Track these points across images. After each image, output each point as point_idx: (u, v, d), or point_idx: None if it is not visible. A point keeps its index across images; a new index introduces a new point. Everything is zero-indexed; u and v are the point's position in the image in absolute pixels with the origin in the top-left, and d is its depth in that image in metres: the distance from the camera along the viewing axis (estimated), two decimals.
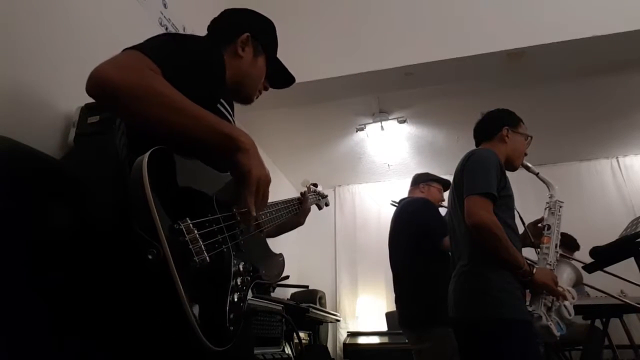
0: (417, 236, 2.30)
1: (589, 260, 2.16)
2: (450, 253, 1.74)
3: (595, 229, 3.31)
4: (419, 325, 2.20)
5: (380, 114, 3.81)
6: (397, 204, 2.65)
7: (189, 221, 0.70)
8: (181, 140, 0.75)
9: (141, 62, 0.77)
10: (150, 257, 0.63)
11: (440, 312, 2.03)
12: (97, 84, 0.72)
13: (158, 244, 0.63)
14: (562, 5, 2.71)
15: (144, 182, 0.64)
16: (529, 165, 1.82)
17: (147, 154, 0.67)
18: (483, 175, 1.52)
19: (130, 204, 0.66)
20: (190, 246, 0.68)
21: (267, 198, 0.84)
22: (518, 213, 1.71)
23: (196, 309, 0.65)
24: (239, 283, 0.80)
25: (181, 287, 0.63)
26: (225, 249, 0.78)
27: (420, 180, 2.65)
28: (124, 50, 0.81)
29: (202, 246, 0.70)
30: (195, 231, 0.70)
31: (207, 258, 0.70)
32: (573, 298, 1.59)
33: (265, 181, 0.81)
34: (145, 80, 0.74)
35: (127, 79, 0.72)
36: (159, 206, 0.65)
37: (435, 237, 2.23)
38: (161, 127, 0.73)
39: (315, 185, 1.61)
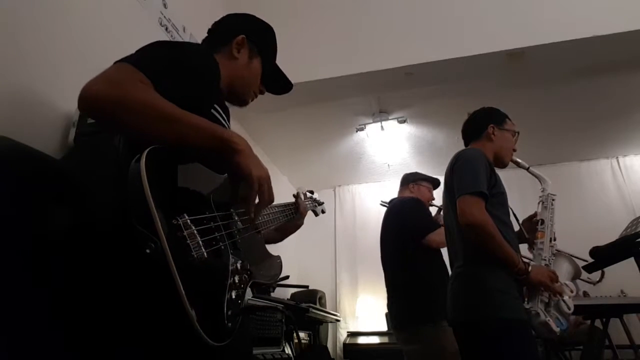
0: (403, 237, 2.29)
1: (588, 260, 2.16)
2: (448, 255, 1.74)
3: (595, 229, 3.30)
4: (406, 325, 2.18)
5: (380, 114, 3.81)
6: (387, 205, 2.63)
7: (187, 217, 0.71)
8: (178, 147, 0.76)
9: (131, 75, 0.77)
10: (148, 250, 0.63)
11: (427, 312, 2.04)
12: (87, 100, 0.71)
13: (156, 238, 0.64)
14: (561, 5, 2.71)
15: (142, 178, 0.65)
16: (519, 160, 1.82)
17: (145, 151, 0.68)
18: (472, 175, 1.52)
19: (129, 199, 0.67)
20: (188, 241, 0.69)
21: (272, 195, 0.84)
22: (512, 211, 1.71)
23: (194, 304, 0.65)
24: (236, 281, 0.81)
25: (179, 281, 0.64)
26: (222, 247, 0.79)
27: (409, 180, 2.65)
28: (115, 63, 0.81)
29: (200, 242, 0.71)
30: (193, 227, 0.71)
31: (205, 254, 0.71)
32: (572, 292, 1.58)
33: (267, 179, 0.82)
34: (136, 93, 0.73)
35: (117, 93, 0.72)
36: (157, 201, 0.65)
37: (418, 237, 2.22)
38: (156, 137, 0.73)
39: (312, 192, 1.62)
